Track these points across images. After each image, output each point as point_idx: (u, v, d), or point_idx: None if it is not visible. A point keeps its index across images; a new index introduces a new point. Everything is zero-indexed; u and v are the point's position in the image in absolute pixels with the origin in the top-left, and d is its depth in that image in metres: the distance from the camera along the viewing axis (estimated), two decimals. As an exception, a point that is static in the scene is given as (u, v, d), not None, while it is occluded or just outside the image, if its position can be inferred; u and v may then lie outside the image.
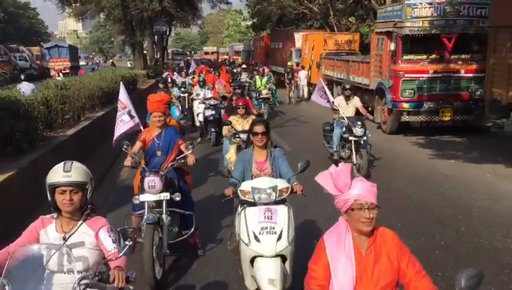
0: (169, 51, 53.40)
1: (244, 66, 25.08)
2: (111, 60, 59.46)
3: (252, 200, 4.16)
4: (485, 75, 11.35)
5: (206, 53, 62.87)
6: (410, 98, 12.45)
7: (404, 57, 12.55)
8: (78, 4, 32.17)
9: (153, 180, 4.98)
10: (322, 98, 9.72)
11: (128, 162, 5.26)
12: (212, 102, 12.07)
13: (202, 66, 25.60)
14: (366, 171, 8.54)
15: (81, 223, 2.89)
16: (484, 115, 12.02)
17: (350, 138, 8.89)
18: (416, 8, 12.34)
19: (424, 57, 12.58)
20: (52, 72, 36.59)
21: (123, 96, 6.75)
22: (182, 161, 5.34)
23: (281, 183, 4.26)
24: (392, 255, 2.64)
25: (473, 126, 12.85)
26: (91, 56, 71.60)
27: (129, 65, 44.35)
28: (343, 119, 9.07)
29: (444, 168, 9.59)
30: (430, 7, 12.31)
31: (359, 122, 8.84)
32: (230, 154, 7.63)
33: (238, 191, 4.29)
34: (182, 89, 15.91)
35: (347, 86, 9.57)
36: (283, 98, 20.68)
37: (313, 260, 2.73)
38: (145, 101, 6.02)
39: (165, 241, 4.97)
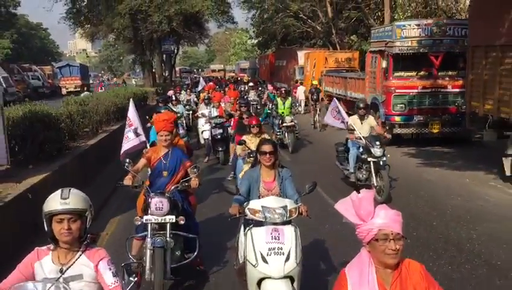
0: (177, 69, 54.38)
1: (251, 84, 24.46)
2: (122, 78, 61.06)
3: (262, 219, 4.05)
4: (469, 90, 12.24)
5: (213, 71, 63.84)
6: (401, 111, 13.35)
7: (395, 74, 13.49)
8: (90, 26, 33.14)
9: (161, 202, 4.85)
10: (336, 119, 9.21)
11: (128, 180, 5.07)
12: (218, 120, 11.82)
13: (210, 83, 25.59)
14: (387, 194, 8.07)
15: (80, 255, 2.68)
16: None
17: (369, 159, 8.38)
18: (405, 29, 13.36)
19: (414, 73, 13.53)
20: (64, 91, 37.84)
21: (132, 113, 6.86)
22: (186, 184, 5.21)
23: (290, 204, 4.20)
24: None
25: (460, 137, 13.67)
26: (100, 74, 73.50)
27: (134, 82, 45.71)
28: (360, 139, 8.62)
29: (428, 175, 10.49)
30: (418, 28, 13.32)
31: (377, 142, 8.31)
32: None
33: (246, 210, 4.17)
34: (187, 106, 16.11)
35: (361, 105, 9.08)
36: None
37: None
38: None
39: (168, 265, 4.80)
